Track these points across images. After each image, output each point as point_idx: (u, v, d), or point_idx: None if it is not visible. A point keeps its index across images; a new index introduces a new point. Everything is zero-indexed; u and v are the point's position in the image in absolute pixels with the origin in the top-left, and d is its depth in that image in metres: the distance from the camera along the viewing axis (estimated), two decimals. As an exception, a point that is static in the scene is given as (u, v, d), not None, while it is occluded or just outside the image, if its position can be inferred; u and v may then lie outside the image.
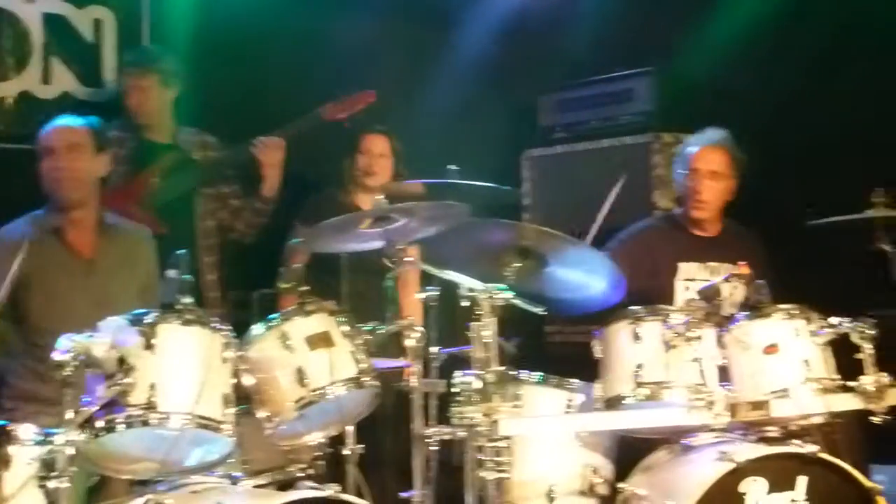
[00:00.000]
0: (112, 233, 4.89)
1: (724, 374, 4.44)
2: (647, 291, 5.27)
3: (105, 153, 4.93)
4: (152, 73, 5.92)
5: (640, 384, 4.34)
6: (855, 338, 4.39)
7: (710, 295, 4.60)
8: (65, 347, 3.53)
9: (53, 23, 6.40)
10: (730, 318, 4.59)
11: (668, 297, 5.32)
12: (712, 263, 5.43)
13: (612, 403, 4.40)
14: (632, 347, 4.42)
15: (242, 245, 6.06)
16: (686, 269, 5.43)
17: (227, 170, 5.98)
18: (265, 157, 5.88)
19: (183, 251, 3.86)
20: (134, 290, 4.72)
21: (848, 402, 4.42)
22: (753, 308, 4.57)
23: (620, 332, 4.47)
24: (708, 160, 5.41)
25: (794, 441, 4.41)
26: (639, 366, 4.36)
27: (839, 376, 4.47)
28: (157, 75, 5.92)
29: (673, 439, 4.57)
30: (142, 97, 5.90)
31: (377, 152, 5.92)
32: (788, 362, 4.43)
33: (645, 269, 5.40)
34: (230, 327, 3.93)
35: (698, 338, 4.32)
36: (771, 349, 4.45)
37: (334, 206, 5.67)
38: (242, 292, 6.08)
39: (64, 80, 6.41)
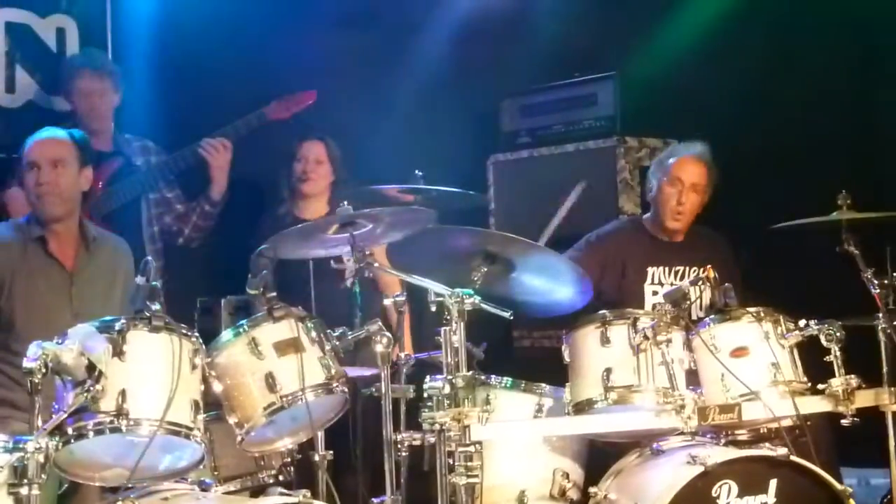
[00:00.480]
0: (94, 245, 4.86)
1: (692, 377, 4.47)
2: (616, 294, 5.31)
3: (89, 167, 4.88)
4: (107, 77, 5.89)
5: (609, 388, 4.34)
6: (823, 340, 4.44)
7: (677, 298, 4.60)
8: (34, 354, 3.50)
9: (16, 31, 6.36)
10: (697, 322, 4.61)
11: (637, 301, 5.35)
12: (679, 267, 5.46)
13: (582, 407, 4.40)
14: (600, 351, 4.42)
15: (209, 251, 6.04)
16: (654, 272, 5.46)
17: (172, 174, 5.94)
18: (213, 158, 5.86)
19: (149, 258, 3.85)
20: (114, 301, 4.68)
21: (817, 405, 4.48)
22: (721, 311, 4.59)
23: (589, 335, 4.47)
24: (691, 172, 5.43)
25: (765, 444, 4.43)
26: (607, 370, 4.37)
27: (808, 379, 4.51)
28: (110, 80, 5.89)
29: (643, 443, 4.57)
30: (96, 102, 5.86)
31: (313, 158, 5.93)
32: (757, 365, 4.46)
33: (614, 273, 5.43)
34: (197, 334, 3.92)
35: (667, 341, 4.33)
36: (739, 352, 4.48)
37: (276, 221, 5.68)
38: (210, 298, 6.06)
39: (28, 89, 6.38)
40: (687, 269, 5.44)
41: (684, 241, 5.53)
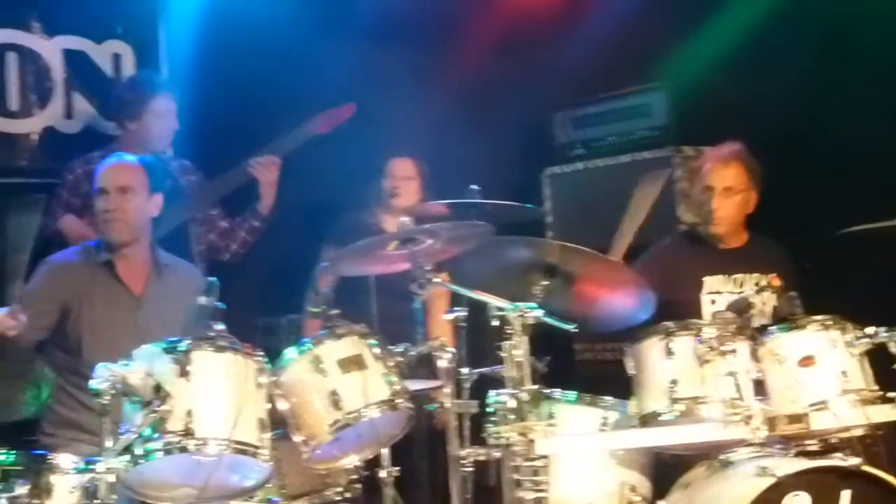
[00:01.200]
0: (165, 271, 4.90)
1: (759, 387, 4.41)
2: (673, 306, 5.26)
3: (158, 193, 4.92)
4: (173, 100, 5.92)
5: (675, 400, 4.29)
6: (893, 347, 4.35)
7: (741, 308, 4.55)
8: (101, 376, 3.53)
9: (74, 58, 6.45)
10: (762, 331, 4.56)
11: (694, 312, 5.29)
12: (738, 275, 5.40)
13: (648, 420, 4.36)
14: (665, 363, 4.37)
15: (269, 272, 6.06)
16: (711, 282, 5.40)
17: (226, 192, 5.96)
18: (263, 175, 5.88)
19: (214, 279, 3.86)
20: (177, 329, 4.70)
21: (889, 414, 4.38)
22: (787, 320, 4.54)
23: (653, 347, 4.42)
24: (721, 176, 5.37)
25: (836, 454, 4.35)
26: (673, 381, 4.31)
27: (878, 387, 4.44)
28: (174, 102, 5.92)
29: (711, 455, 4.51)
30: (168, 123, 5.87)
31: (402, 175, 5.95)
32: (825, 374, 4.38)
33: (670, 285, 5.37)
34: (262, 353, 3.93)
35: (732, 351, 4.28)
36: (807, 361, 4.40)
37: (360, 228, 5.68)
38: (271, 318, 6.09)
39: (85, 115, 6.45)
40: (745, 276, 5.39)
41: (742, 249, 5.47)
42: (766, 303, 5.01)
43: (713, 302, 5.36)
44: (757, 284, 5.34)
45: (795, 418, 4.32)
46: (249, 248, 6.02)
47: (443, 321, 4.83)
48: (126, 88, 6.05)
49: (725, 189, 5.35)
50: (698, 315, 5.27)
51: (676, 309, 5.22)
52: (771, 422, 4.28)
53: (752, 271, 5.36)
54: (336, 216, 6.05)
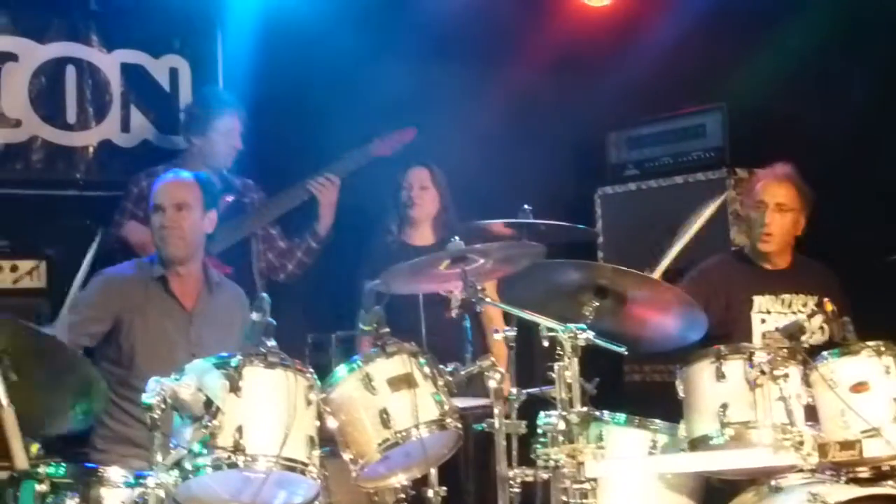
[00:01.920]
0: (214, 289, 4.95)
1: (810, 413, 4.37)
2: (723, 325, 5.25)
3: (213, 210, 4.97)
4: (239, 119, 5.97)
5: (725, 424, 4.27)
6: (946, 374, 4.32)
7: (793, 332, 4.51)
8: (153, 390, 3.56)
9: (131, 72, 6.52)
10: (815, 356, 4.52)
11: (745, 331, 5.31)
12: (786, 295, 5.40)
13: (697, 444, 4.34)
14: (715, 386, 4.34)
15: (318, 288, 6.08)
16: (760, 301, 5.40)
17: (285, 210, 5.98)
18: (323, 195, 5.91)
19: (265, 295, 3.88)
20: (230, 345, 4.73)
21: (941, 441, 4.34)
22: (840, 345, 4.50)
23: (703, 370, 4.40)
24: (774, 193, 5.40)
25: (888, 482, 4.31)
26: (723, 405, 4.29)
27: (931, 415, 4.39)
28: (240, 122, 5.97)
29: (760, 480, 4.47)
30: (234, 141, 5.93)
31: (418, 184, 5.94)
32: (878, 400, 4.34)
33: (719, 303, 5.37)
34: (312, 370, 3.94)
35: (784, 376, 4.24)
36: (859, 387, 4.36)
37: (385, 249, 5.70)
38: (320, 334, 6.10)
39: (142, 129, 6.52)
40: (793, 296, 5.41)
41: (789, 269, 5.48)
42: (820, 327, 4.97)
43: (763, 321, 5.37)
44: (805, 306, 5.35)
45: (847, 445, 4.28)
46: (306, 270, 6.04)
47: (497, 340, 4.83)
48: (194, 104, 6.15)
49: (778, 205, 5.38)
50: (748, 333, 5.29)
51: (726, 327, 5.22)
52: (822, 448, 4.25)
53: (799, 292, 5.39)
54: (371, 236, 6.08)
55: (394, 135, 6.05)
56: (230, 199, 5.90)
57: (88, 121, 6.41)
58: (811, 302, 5.36)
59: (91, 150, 6.43)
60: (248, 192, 6.03)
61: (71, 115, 6.38)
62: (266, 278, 6.02)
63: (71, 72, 6.38)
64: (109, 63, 6.47)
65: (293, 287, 6.16)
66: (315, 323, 6.09)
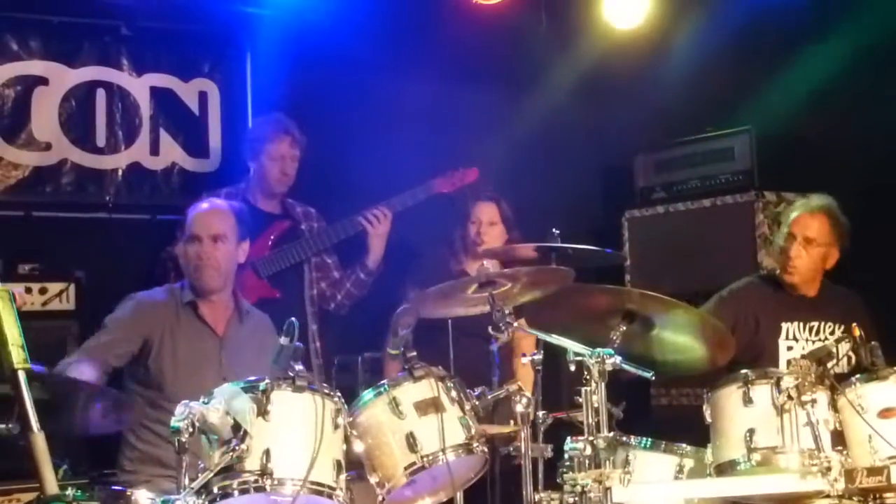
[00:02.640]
0: (244, 316, 4.98)
1: (838, 438, 4.36)
2: (750, 349, 5.23)
3: (247, 240, 4.99)
4: (298, 143, 5.98)
5: (752, 449, 4.26)
6: (973, 402, 4.30)
7: (821, 357, 4.50)
8: (181, 414, 3.58)
9: (161, 96, 6.59)
10: (842, 381, 4.51)
11: (772, 357, 5.30)
12: (814, 323, 5.39)
13: (724, 469, 4.33)
14: (743, 411, 4.34)
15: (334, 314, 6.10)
16: (788, 328, 5.38)
17: (335, 240, 6.01)
18: (373, 227, 5.92)
19: (293, 319, 3.90)
20: (259, 371, 4.75)
21: (967, 468, 4.31)
22: (868, 370, 4.48)
23: (731, 395, 4.40)
24: (805, 226, 5.36)
25: (916, 508, 4.29)
26: (750, 430, 4.29)
27: (959, 441, 4.36)
28: (299, 146, 5.99)
29: (787, 505, 4.47)
30: (288, 167, 5.94)
31: (487, 220, 5.95)
32: (906, 426, 4.33)
33: (747, 328, 5.36)
34: (339, 393, 3.95)
35: (812, 401, 4.22)
36: (888, 413, 4.35)
37: (445, 273, 5.71)
38: (347, 356, 6.12)
39: (171, 152, 6.58)
40: (822, 324, 5.38)
41: (818, 297, 5.45)
42: (846, 354, 4.95)
43: (790, 349, 5.35)
44: (832, 333, 5.34)
45: (875, 471, 4.24)
46: (355, 301, 6.06)
47: (523, 364, 4.83)
48: (252, 129, 6.19)
49: (806, 239, 5.34)
50: (775, 360, 5.28)
51: (754, 352, 5.21)
52: (849, 474, 4.21)
53: (827, 320, 5.37)
54: (416, 257, 6.08)
55: (456, 173, 6.06)
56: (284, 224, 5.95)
57: (118, 144, 6.47)
58: (838, 330, 5.34)
59: (120, 172, 6.49)
60: (308, 220, 6.05)
61: (100, 139, 6.44)
62: (317, 305, 6.03)
63: (101, 95, 6.45)
64: (139, 87, 6.53)
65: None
66: (343, 344, 6.12)
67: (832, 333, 5.35)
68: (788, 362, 5.23)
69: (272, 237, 5.87)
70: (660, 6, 7.11)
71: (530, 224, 6.08)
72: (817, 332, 5.37)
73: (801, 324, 5.39)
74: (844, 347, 4.94)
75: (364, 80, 6.65)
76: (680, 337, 4.68)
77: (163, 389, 4.70)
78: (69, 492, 3.65)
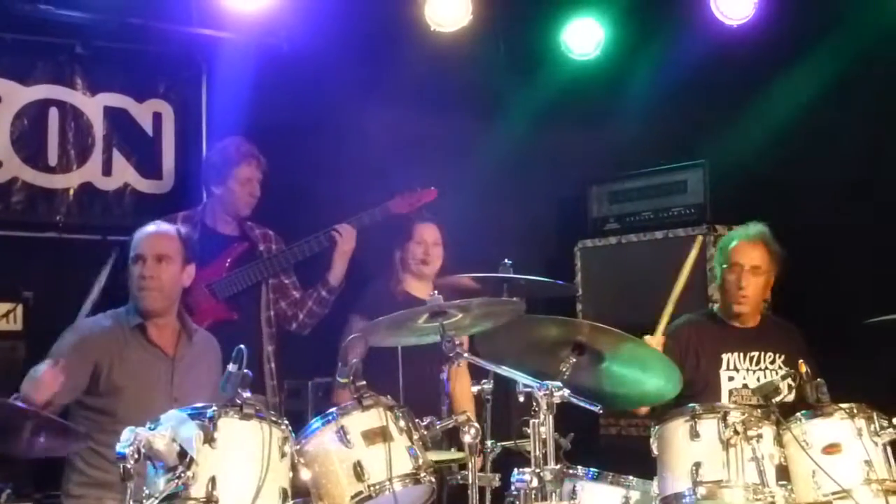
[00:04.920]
0: (191, 335, 4.96)
1: (782, 473, 4.39)
2: (692, 384, 5.25)
3: (192, 264, 4.96)
4: (261, 167, 5.97)
5: (698, 483, 4.27)
6: (918, 439, 4.35)
7: (767, 392, 4.54)
8: (127, 440, 3.56)
9: (114, 116, 6.55)
10: (787, 413, 4.54)
11: (713, 388, 5.35)
12: (754, 353, 5.44)
13: (670, 502, 4.34)
14: (690, 445, 4.36)
15: (296, 335, 6.07)
16: (729, 359, 5.43)
17: (294, 261, 5.99)
18: (341, 242, 5.92)
19: (242, 346, 3.88)
20: (208, 390, 4.74)
21: (911, 504, 4.36)
22: (813, 407, 4.52)
23: (678, 429, 4.42)
24: (750, 256, 5.42)
25: (857, 545, 4.32)
26: (696, 464, 4.30)
27: (901, 478, 4.41)
28: (259, 171, 5.97)
29: (732, 539, 4.49)
30: (254, 189, 5.95)
31: (431, 241, 5.96)
32: (849, 463, 4.37)
33: (689, 364, 5.39)
34: (287, 421, 3.95)
35: (758, 436, 4.26)
36: (831, 449, 4.39)
37: (389, 296, 5.71)
38: (297, 381, 6.10)
39: (124, 172, 6.54)
40: (762, 354, 5.43)
41: (757, 328, 5.51)
42: (789, 385, 5.01)
43: (731, 378, 5.40)
44: (772, 363, 5.39)
45: (818, 506, 4.30)
46: (317, 320, 6.04)
47: (466, 393, 4.83)
48: (213, 154, 6.12)
49: (753, 268, 5.40)
50: (717, 391, 5.34)
51: (696, 386, 5.26)
52: (793, 509, 4.26)
53: (767, 350, 5.42)
54: (364, 284, 6.06)
55: (415, 194, 6.05)
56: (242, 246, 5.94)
57: (70, 163, 6.42)
58: (779, 359, 5.40)
59: (72, 192, 6.43)
60: (266, 242, 6.03)
61: (52, 158, 6.39)
62: (274, 326, 6.00)
63: (54, 114, 6.40)
64: (93, 106, 6.49)
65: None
66: (293, 370, 6.09)
67: (772, 363, 5.41)
68: (730, 392, 5.36)
69: (229, 259, 5.84)
70: (617, 38, 7.16)
71: (482, 252, 6.09)
72: (758, 362, 5.42)
73: (741, 354, 5.44)
74: (788, 381, 4.99)
75: (321, 105, 6.65)
76: (629, 370, 4.70)
77: (115, 414, 4.65)
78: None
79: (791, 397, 5.03)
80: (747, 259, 5.41)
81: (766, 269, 5.42)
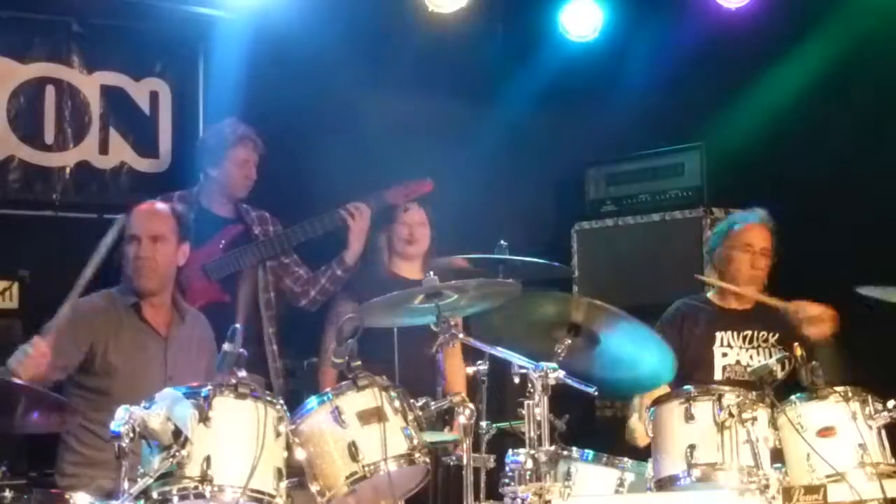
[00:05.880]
0: (184, 314, 4.96)
1: (777, 456, 4.40)
2: (686, 365, 5.25)
3: (186, 243, 4.95)
4: (258, 148, 5.95)
5: (692, 465, 4.28)
6: (913, 422, 4.36)
7: (762, 375, 4.54)
8: (122, 419, 3.56)
9: (111, 94, 6.51)
10: (782, 394, 4.55)
11: (707, 365, 5.40)
12: (748, 332, 5.49)
13: (664, 484, 4.35)
14: (684, 427, 4.37)
15: (291, 315, 6.06)
16: (722, 336, 5.47)
17: (311, 235, 5.95)
18: (354, 222, 5.90)
19: (237, 325, 3.88)
20: (203, 371, 4.74)
21: (905, 488, 4.37)
22: (808, 390, 4.53)
23: (673, 411, 4.42)
24: (761, 238, 5.50)
25: (851, 528, 4.34)
26: (691, 446, 4.31)
27: (895, 461, 4.42)
28: (258, 151, 5.95)
29: (726, 521, 4.50)
30: (250, 171, 5.92)
31: (417, 221, 5.95)
32: (844, 446, 4.38)
33: (684, 344, 5.40)
34: (282, 400, 3.95)
35: (752, 419, 4.26)
36: (826, 432, 4.41)
37: (377, 278, 5.71)
38: (292, 361, 6.09)
39: (121, 151, 6.51)
40: (755, 332, 5.48)
41: (752, 309, 5.55)
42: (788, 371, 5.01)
43: (724, 355, 5.46)
44: (765, 341, 5.45)
45: (812, 489, 4.30)
46: (328, 298, 6.00)
47: (458, 373, 4.83)
48: (209, 135, 6.09)
49: (763, 249, 5.48)
50: (711, 368, 5.40)
51: (692, 364, 5.26)
52: (787, 492, 4.27)
53: (761, 329, 5.48)
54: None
55: (410, 185, 6.02)
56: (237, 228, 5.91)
57: (66, 142, 6.40)
58: (772, 338, 5.46)
59: (68, 171, 6.41)
60: (262, 224, 5.99)
61: (49, 136, 6.36)
62: (274, 309, 5.99)
63: (50, 92, 6.37)
64: (89, 84, 6.46)
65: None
66: (288, 349, 6.08)
67: (765, 341, 5.46)
68: (724, 368, 5.41)
69: (224, 241, 5.83)
70: (615, 21, 7.15)
71: (479, 234, 6.08)
72: (751, 341, 5.48)
73: (735, 332, 5.49)
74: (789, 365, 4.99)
75: (319, 87, 6.62)
76: (625, 352, 4.70)
77: (109, 393, 4.65)
78: (7, 494, 3.63)
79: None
80: (758, 241, 5.49)
81: (772, 252, 5.50)
